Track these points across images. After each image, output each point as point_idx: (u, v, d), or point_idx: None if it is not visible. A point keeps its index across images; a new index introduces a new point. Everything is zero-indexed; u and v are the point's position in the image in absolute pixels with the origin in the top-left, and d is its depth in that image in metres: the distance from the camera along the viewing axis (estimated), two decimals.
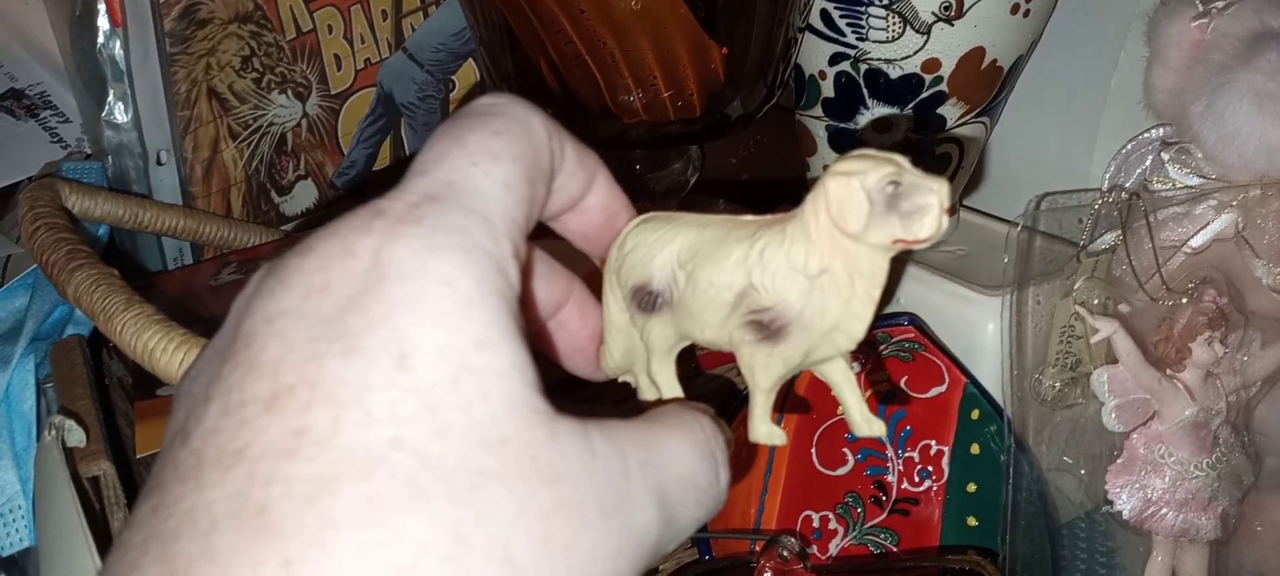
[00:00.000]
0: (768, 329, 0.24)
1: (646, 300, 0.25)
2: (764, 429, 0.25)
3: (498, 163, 0.21)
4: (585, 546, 0.19)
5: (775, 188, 0.71)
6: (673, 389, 0.27)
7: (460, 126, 0.22)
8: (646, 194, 0.54)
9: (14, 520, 0.48)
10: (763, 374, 0.24)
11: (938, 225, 0.22)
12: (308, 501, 0.17)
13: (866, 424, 0.25)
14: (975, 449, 0.51)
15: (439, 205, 0.20)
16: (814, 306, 0.23)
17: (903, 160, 0.22)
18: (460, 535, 0.18)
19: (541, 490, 0.19)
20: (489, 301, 0.19)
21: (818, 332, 0.24)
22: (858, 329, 0.24)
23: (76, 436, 0.39)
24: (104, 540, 0.38)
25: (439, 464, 0.18)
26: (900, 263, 0.58)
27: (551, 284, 0.25)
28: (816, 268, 0.23)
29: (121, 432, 0.51)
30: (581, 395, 0.46)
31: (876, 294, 0.23)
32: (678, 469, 0.21)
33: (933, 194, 0.21)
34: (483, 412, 0.19)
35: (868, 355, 0.51)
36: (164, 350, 0.36)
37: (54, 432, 0.38)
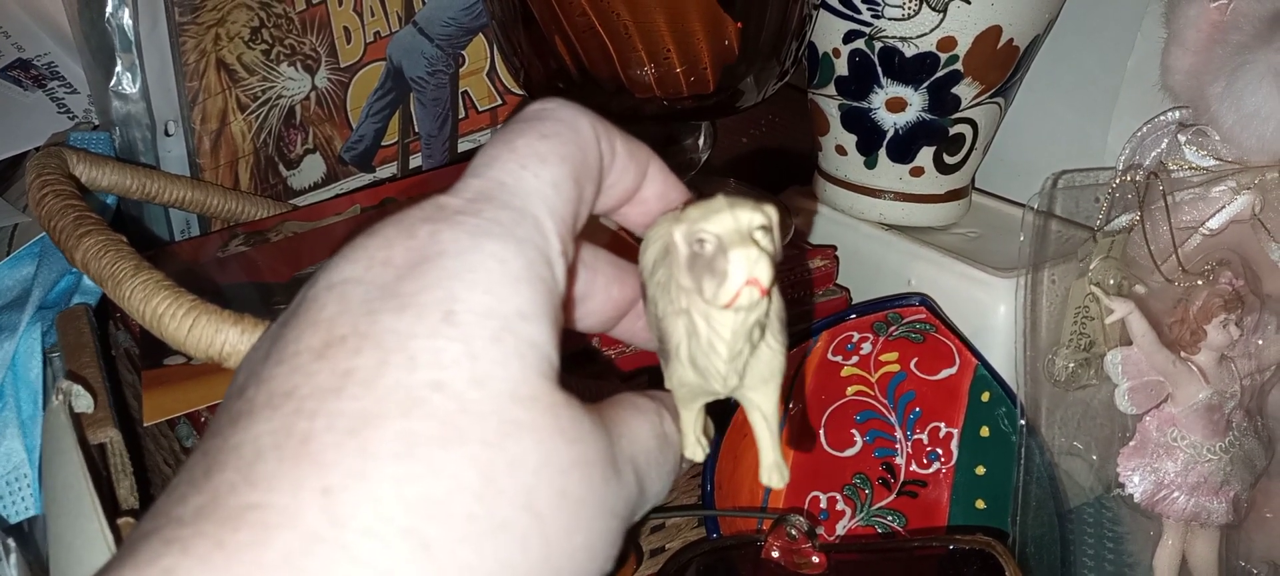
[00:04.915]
0: (662, 348, 0.25)
1: (643, 290, 0.27)
2: (686, 442, 0.26)
3: (546, 164, 0.23)
4: (592, 503, 0.21)
5: (786, 167, 0.70)
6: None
7: (511, 132, 0.23)
8: None
9: (20, 488, 0.48)
10: (670, 389, 0.25)
11: (732, 294, 0.21)
12: (350, 434, 0.19)
13: (771, 472, 0.26)
14: (985, 431, 0.51)
15: (493, 202, 0.22)
16: (688, 344, 0.23)
17: (745, 217, 0.21)
18: (490, 477, 0.19)
19: (562, 447, 0.20)
20: (535, 285, 0.21)
21: (692, 370, 0.24)
22: (714, 380, 0.24)
23: (84, 401, 0.39)
24: (110, 507, 0.38)
25: (475, 409, 0.19)
26: (909, 246, 0.58)
27: (623, 285, 0.27)
28: (678, 306, 0.23)
29: (127, 404, 0.51)
30: (588, 371, 0.46)
31: (721, 348, 0.23)
32: (643, 445, 0.24)
33: (729, 263, 0.20)
34: (518, 371, 0.20)
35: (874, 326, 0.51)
36: (173, 315, 0.36)
37: (61, 397, 0.38)
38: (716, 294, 0.21)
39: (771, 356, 0.24)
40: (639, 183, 0.26)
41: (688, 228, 0.21)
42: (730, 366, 0.23)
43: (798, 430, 0.50)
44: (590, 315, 0.27)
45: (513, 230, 0.21)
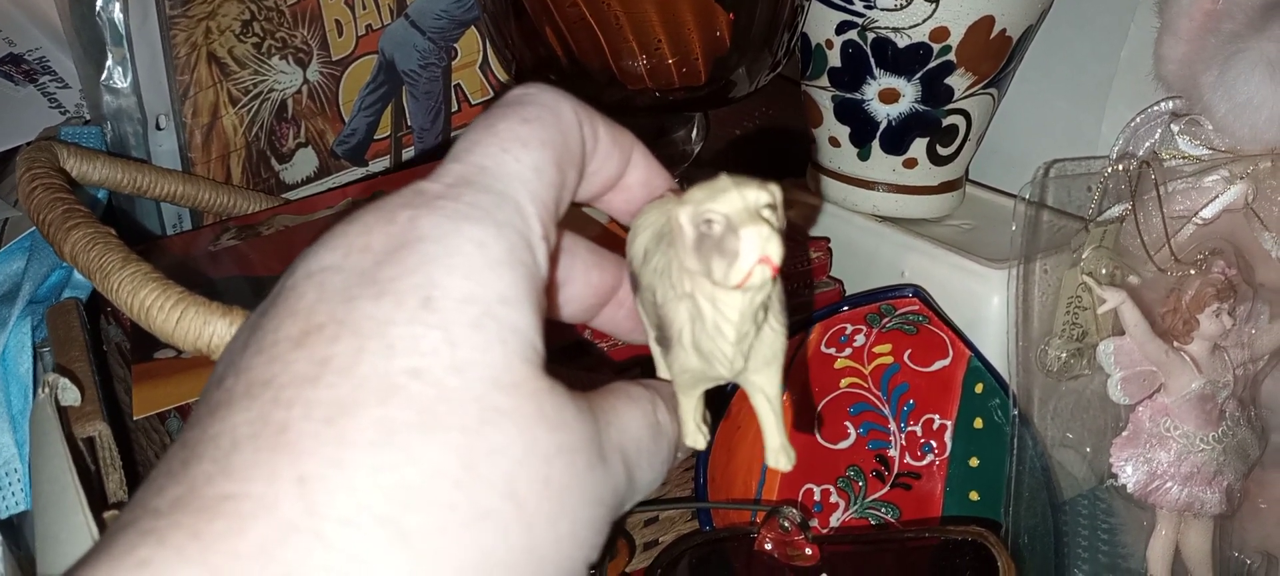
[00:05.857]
0: (662, 335, 0.24)
1: (633, 279, 0.26)
2: (686, 430, 0.26)
3: (527, 149, 0.22)
4: (576, 491, 0.21)
5: (779, 159, 0.70)
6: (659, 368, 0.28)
7: (492, 115, 0.23)
8: None
9: (10, 483, 0.48)
10: (671, 376, 0.25)
11: (744, 273, 0.20)
12: (326, 422, 0.18)
13: (778, 455, 0.25)
14: (979, 423, 0.51)
15: (473, 186, 0.21)
16: (692, 329, 0.23)
17: (752, 196, 0.20)
18: (470, 464, 0.19)
19: (545, 434, 0.20)
20: (516, 269, 0.21)
21: (696, 355, 0.24)
22: (719, 364, 0.23)
23: (71, 395, 0.39)
24: (98, 501, 0.38)
25: (455, 396, 0.19)
26: (902, 238, 0.58)
27: (602, 271, 0.27)
28: (681, 290, 0.23)
29: (119, 398, 0.51)
30: (583, 364, 0.45)
31: (728, 331, 0.22)
32: (634, 434, 0.23)
33: (741, 242, 0.20)
34: (499, 357, 0.20)
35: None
36: (161, 308, 0.36)
37: (48, 391, 0.38)
38: (727, 274, 0.20)
39: (774, 338, 0.24)
40: (622, 169, 0.26)
41: (694, 209, 0.21)
42: (737, 349, 0.23)
43: (793, 418, 0.50)
44: (571, 302, 0.27)
45: (493, 214, 0.21)
